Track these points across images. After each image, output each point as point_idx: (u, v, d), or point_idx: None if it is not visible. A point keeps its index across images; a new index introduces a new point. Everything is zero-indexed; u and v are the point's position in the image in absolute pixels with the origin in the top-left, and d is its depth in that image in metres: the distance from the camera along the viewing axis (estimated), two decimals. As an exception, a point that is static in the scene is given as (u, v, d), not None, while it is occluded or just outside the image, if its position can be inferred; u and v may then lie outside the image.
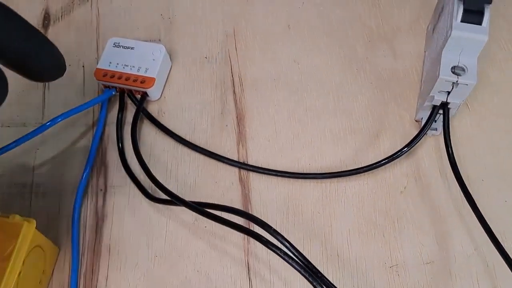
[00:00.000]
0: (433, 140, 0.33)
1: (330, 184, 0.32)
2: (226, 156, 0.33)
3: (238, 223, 0.28)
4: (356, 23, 0.37)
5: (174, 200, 0.29)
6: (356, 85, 0.35)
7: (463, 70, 0.28)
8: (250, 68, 0.36)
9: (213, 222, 0.28)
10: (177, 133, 0.33)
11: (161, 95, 0.35)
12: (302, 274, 0.25)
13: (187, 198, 0.30)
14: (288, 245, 0.25)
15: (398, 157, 0.31)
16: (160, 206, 0.31)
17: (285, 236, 0.26)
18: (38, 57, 0.22)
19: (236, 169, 0.32)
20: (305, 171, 0.32)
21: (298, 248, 0.26)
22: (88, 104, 0.32)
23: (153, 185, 0.31)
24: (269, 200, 0.31)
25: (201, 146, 0.33)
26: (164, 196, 0.30)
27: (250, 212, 0.31)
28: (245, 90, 0.35)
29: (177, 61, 0.37)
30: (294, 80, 0.36)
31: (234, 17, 0.38)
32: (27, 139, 0.30)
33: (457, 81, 0.28)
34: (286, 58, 0.36)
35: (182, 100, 0.35)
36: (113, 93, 0.34)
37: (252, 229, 0.28)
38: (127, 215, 0.31)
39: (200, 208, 0.28)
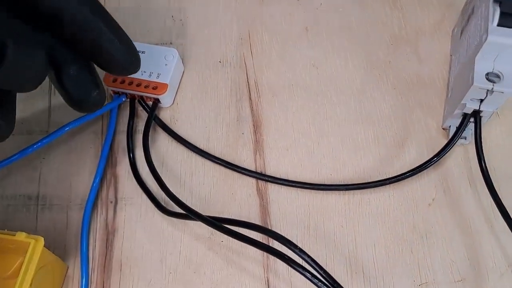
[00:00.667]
0: (462, 149, 0.31)
1: (353, 196, 0.30)
2: (243, 166, 0.31)
3: (258, 239, 0.26)
4: (378, 25, 0.36)
5: (190, 214, 0.27)
6: (379, 90, 0.33)
7: (498, 77, 0.26)
8: (267, 73, 0.34)
9: (231, 238, 0.26)
10: (191, 142, 0.32)
11: (173, 102, 0.33)
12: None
13: (202, 210, 0.29)
14: (315, 265, 0.23)
15: (426, 168, 0.29)
16: (174, 219, 0.29)
17: (307, 251, 0.25)
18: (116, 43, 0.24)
19: (253, 180, 0.31)
20: (326, 182, 0.30)
21: (321, 264, 0.25)
22: (98, 112, 0.31)
23: (166, 197, 0.29)
24: (288, 212, 0.30)
25: (216, 155, 0.31)
26: (178, 210, 0.28)
27: (269, 226, 0.29)
28: (261, 96, 0.34)
29: (190, 66, 0.35)
30: (313, 85, 0.34)
31: (249, 19, 0.36)
32: (33, 149, 0.29)
33: (492, 89, 0.26)
34: (304, 63, 0.35)
35: (195, 107, 0.33)
36: (123, 99, 0.32)
37: (272, 245, 0.26)
38: (139, 229, 0.29)
39: (217, 223, 0.26)
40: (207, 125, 0.33)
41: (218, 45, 0.36)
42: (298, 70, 0.34)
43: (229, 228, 0.26)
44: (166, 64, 0.32)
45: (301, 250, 0.23)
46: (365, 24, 0.36)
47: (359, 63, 0.34)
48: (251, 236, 0.26)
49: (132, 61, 0.26)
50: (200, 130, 0.32)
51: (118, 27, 0.25)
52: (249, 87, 0.34)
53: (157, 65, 0.32)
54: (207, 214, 0.27)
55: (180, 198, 0.29)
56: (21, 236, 0.24)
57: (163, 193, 0.30)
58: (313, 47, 0.35)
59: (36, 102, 0.33)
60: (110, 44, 0.24)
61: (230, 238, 0.27)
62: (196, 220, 0.27)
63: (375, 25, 0.36)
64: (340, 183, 0.30)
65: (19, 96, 0.34)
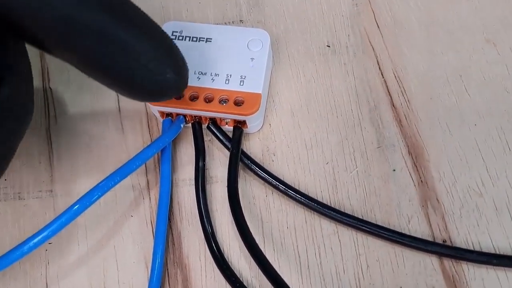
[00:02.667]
0: None
1: None
2: (408, 233, 0.18)
3: None
4: None
5: None
6: None
7: None
8: (411, 58, 0.20)
9: None
10: (306, 192, 0.18)
11: (263, 122, 0.20)
12: None
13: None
14: None
15: None
16: None
17: None
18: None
19: (433, 258, 0.17)
20: None
21: None
22: (145, 155, 0.17)
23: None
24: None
25: (356, 215, 0.18)
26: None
27: None
28: (411, 99, 0.20)
29: (280, 57, 0.21)
30: (494, 74, 0.20)
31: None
32: (36, 246, 0.15)
33: None
34: (471, 37, 0.21)
35: (301, 128, 0.19)
36: (182, 126, 0.18)
37: None
38: None
39: None
40: (328, 160, 0.19)
41: (321, 18, 0.21)
42: (464, 48, 0.20)
43: None
44: (252, 59, 0.18)
45: None
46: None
47: None
48: None
49: (175, 79, 0.15)
50: (317, 169, 0.19)
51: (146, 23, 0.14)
52: (387, 86, 0.20)
53: (238, 62, 0.18)
54: None
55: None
56: None
57: (270, 290, 0.17)
58: (481, 9, 0.21)
59: (29, 142, 0.20)
60: (128, 55, 0.14)
61: None
62: None
63: None
64: None
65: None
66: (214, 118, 0.18)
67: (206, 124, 0.18)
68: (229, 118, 0.18)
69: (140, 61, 0.14)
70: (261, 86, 0.18)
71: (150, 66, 0.14)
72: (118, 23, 0.13)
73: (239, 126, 0.18)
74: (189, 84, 0.17)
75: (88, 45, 0.13)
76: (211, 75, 0.18)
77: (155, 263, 0.17)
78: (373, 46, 0.21)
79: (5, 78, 0.14)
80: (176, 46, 0.15)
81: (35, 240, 0.15)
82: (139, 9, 0.14)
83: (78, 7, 0.13)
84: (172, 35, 0.19)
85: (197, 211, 0.18)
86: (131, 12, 0.14)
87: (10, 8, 0.13)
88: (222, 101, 0.18)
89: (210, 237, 0.18)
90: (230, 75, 0.18)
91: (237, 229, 0.17)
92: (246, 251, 0.17)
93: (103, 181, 0.15)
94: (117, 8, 0.13)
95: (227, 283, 0.17)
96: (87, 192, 0.15)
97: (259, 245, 0.17)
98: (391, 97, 0.20)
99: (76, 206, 0.15)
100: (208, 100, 0.18)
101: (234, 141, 0.18)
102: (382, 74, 0.20)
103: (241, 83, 0.18)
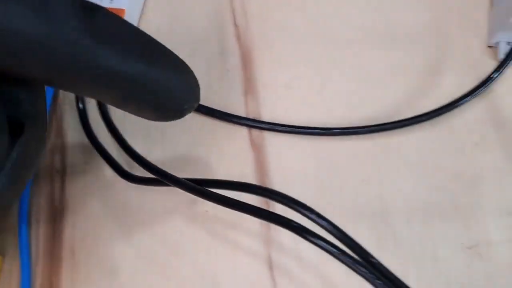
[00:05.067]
0: (515, 72, 0.24)
1: (377, 140, 0.23)
2: (230, 112, 0.24)
3: (255, 204, 0.19)
4: None
5: (162, 178, 0.20)
6: (403, 4, 0.26)
7: None
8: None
9: (218, 206, 0.19)
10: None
11: (134, 35, 0.26)
12: (360, 272, 0.17)
13: (180, 174, 0.22)
14: (340, 235, 0.16)
15: (469, 99, 0.22)
16: (142, 187, 0.22)
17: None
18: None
19: (245, 129, 0.23)
20: (339, 125, 0.23)
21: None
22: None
23: (130, 159, 0.22)
24: (293, 167, 0.22)
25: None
26: (147, 174, 0.21)
27: (269, 187, 0.22)
28: (250, 20, 0.26)
29: (153, -12, 0.27)
30: (310, 2, 0.26)
31: None
32: None
33: None
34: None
35: (164, 40, 0.25)
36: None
37: (274, 211, 0.19)
38: (96, 203, 0.22)
39: (199, 188, 0.19)
40: (180, 63, 0.25)
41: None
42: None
43: (215, 193, 0.19)
44: (121, -19, 0.24)
45: (318, 215, 0.16)
46: None
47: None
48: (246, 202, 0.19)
49: (193, 90, 0.17)
50: (171, 69, 0.25)
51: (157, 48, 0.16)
52: (233, 10, 0.26)
53: (108, -16, 0.24)
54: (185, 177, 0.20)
55: (150, 160, 0.22)
56: None
57: (126, 156, 0.23)
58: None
59: None
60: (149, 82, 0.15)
61: (218, 206, 0.19)
62: (170, 185, 0.20)
63: None
64: (359, 125, 0.22)
65: None
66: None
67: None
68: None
69: (172, 98, 0.15)
70: (126, 2, 0.24)
71: (180, 101, 0.16)
72: (153, 69, 0.15)
73: (109, 35, 0.24)
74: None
75: (127, 91, 0.14)
76: (86, -6, 0.24)
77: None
78: (225, -18, 0.27)
79: (26, 124, 0.14)
80: (192, 72, 0.17)
81: None
82: (160, 44, 0.16)
83: (124, 64, 0.14)
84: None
85: (74, 96, 0.24)
86: (159, 52, 0.16)
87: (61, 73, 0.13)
88: (93, 13, 0.24)
89: (83, 112, 0.23)
90: (102, -6, 0.24)
91: (99, 108, 0.23)
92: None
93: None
94: (151, 55, 0.15)
95: (93, 147, 0.23)
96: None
97: (119, 125, 0.23)
98: (234, 18, 0.26)
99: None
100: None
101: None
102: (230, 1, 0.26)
103: (111, 1, 0.24)
